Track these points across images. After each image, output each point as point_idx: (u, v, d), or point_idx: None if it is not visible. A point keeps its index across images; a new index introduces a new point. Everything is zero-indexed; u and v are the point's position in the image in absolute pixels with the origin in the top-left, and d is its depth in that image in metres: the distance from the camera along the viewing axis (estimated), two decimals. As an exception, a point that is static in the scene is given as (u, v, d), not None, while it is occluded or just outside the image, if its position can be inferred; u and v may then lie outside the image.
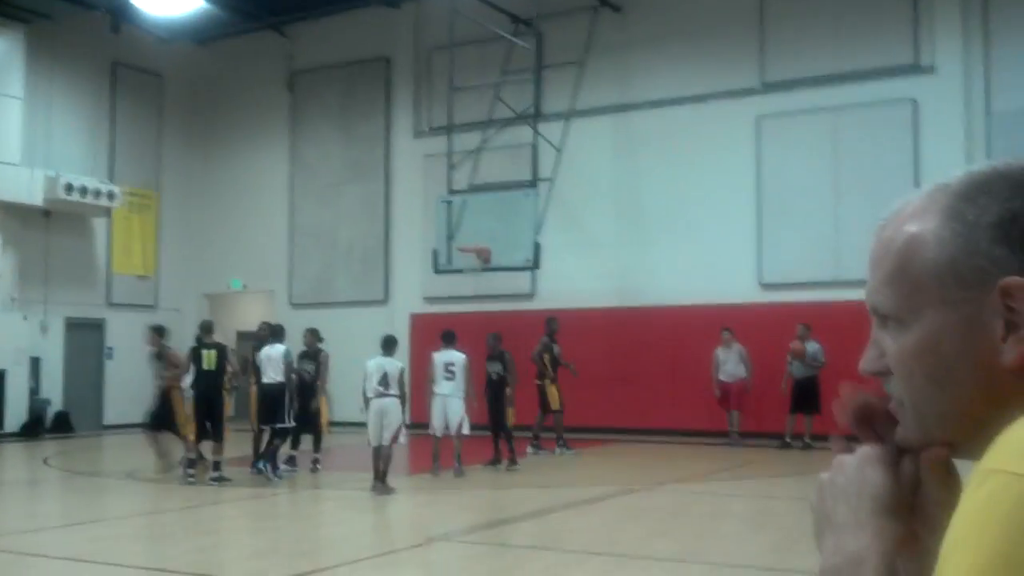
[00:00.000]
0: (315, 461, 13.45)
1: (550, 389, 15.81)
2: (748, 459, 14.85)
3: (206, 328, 13.25)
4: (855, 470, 0.92)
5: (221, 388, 12.90)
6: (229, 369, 13.10)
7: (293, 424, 13.09)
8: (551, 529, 9.52)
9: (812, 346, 15.97)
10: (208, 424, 12.61)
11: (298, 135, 22.78)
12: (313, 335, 13.90)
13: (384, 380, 11.98)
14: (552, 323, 16.20)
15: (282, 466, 13.00)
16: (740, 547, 8.45)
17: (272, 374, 13.00)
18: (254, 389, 13.53)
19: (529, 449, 15.55)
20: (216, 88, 23.60)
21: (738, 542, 8.69)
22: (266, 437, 13.14)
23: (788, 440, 16.02)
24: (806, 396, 15.78)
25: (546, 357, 15.92)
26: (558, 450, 15.68)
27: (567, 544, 8.74)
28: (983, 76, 16.53)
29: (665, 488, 12.13)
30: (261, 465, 12.91)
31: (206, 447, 12.70)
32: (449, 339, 13.54)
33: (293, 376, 13.20)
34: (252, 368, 13.55)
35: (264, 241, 22.71)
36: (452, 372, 13.21)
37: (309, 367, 13.59)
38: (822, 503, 0.94)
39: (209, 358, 12.81)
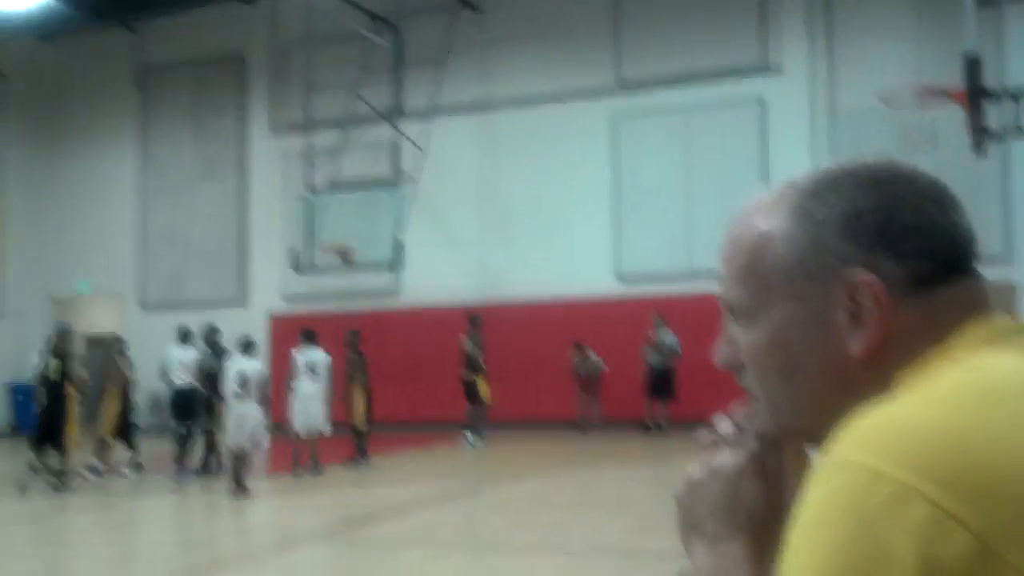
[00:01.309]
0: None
1: (481, 383, 15.96)
2: (607, 447, 15.13)
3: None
4: (731, 484, 0.94)
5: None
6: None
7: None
8: (413, 526, 9.49)
9: (668, 337, 16.40)
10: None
11: (149, 134, 22.11)
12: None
13: (243, 383, 11.74)
14: (476, 319, 16.26)
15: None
16: (598, 533, 8.58)
17: (183, 376, 13.15)
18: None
19: (469, 439, 15.83)
20: (62, 86, 22.69)
21: (597, 528, 8.82)
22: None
23: (650, 424, 16.40)
24: (662, 384, 16.27)
25: (477, 352, 16.08)
26: (471, 438, 15.91)
27: (430, 540, 8.73)
28: (827, 76, 17.27)
29: (527, 478, 12.24)
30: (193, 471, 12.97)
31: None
32: (310, 338, 13.36)
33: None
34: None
35: (112, 242, 21.95)
36: (315, 372, 13.03)
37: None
38: (691, 508, 0.96)
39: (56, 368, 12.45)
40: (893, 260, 0.84)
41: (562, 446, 15.64)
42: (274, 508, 11.25)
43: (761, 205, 0.92)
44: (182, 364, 13.24)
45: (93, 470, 13.02)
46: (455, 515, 10.03)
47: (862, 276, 0.84)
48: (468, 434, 15.99)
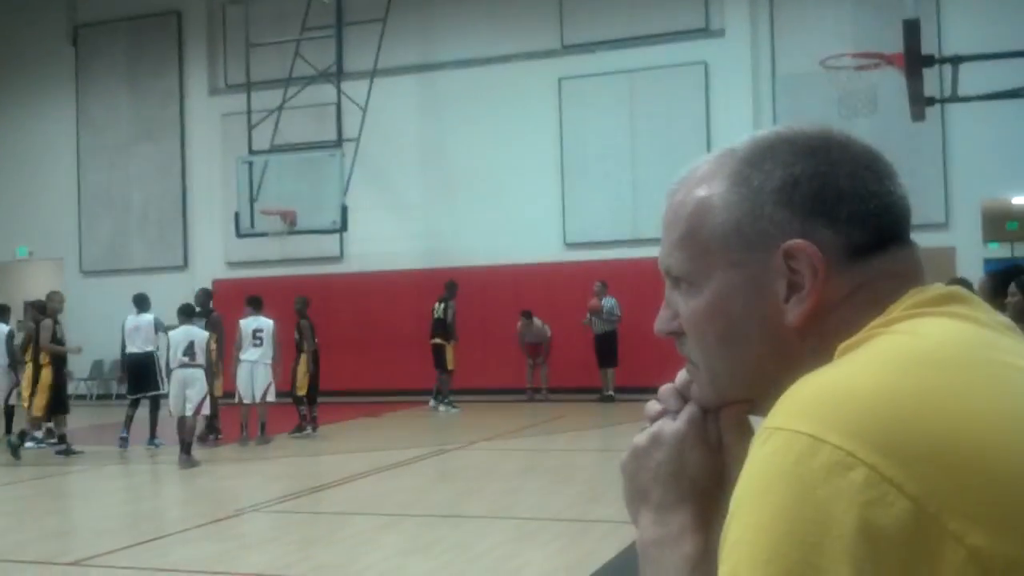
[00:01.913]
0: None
1: (451, 350, 16.01)
2: (556, 414, 15.27)
3: None
4: (674, 451, 0.94)
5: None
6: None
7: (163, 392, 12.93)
8: (363, 494, 9.53)
9: (608, 301, 16.55)
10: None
11: (84, 93, 21.55)
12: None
13: (190, 350, 11.66)
14: (453, 286, 16.26)
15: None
16: (547, 501, 8.70)
17: (140, 344, 12.83)
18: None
19: (435, 404, 16.04)
20: (-8, 43, 22.00)
21: (546, 496, 8.94)
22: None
23: (604, 393, 16.53)
24: (606, 350, 16.40)
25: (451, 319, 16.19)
26: (443, 408, 16.00)
27: (380, 507, 8.77)
28: (769, 41, 17.38)
29: (476, 447, 12.33)
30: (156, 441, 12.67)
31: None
32: (256, 305, 13.29)
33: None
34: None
35: (51, 205, 21.44)
36: (260, 338, 12.98)
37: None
38: (636, 476, 0.96)
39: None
40: (829, 228, 0.85)
41: (511, 414, 15.72)
42: (221, 477, 11.20)
43: (700, 172, 0.93)
44: (136, 330, 12.99)
45: (37, 440, 12.91)
46: (404, 483, 10.07)
47: (798, 243, 0.84)
48: (434, 400, 16.12)
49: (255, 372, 12.88)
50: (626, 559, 6.05)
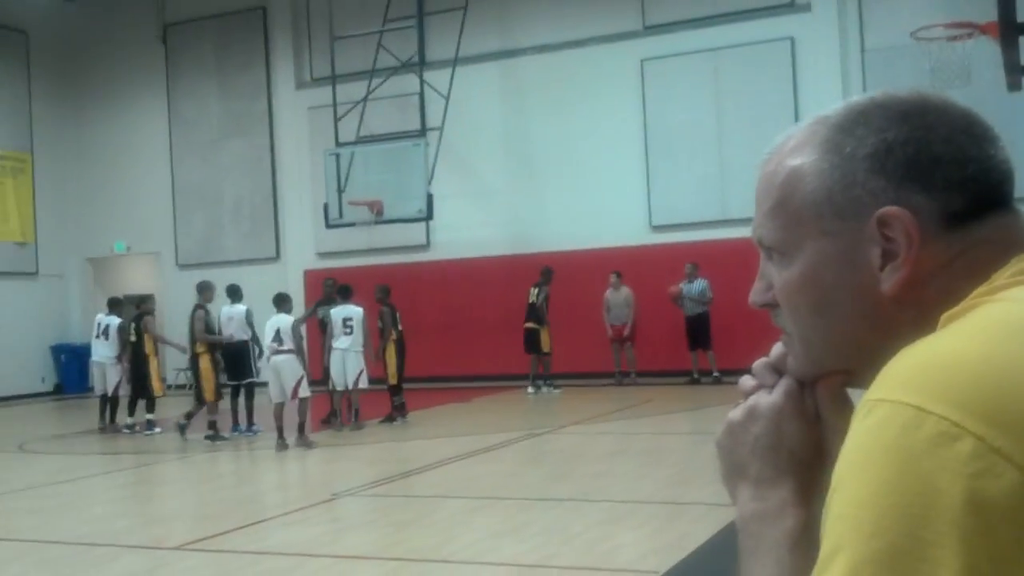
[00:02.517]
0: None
1: (545, 333, 16.33)
2: (645, 397, 15.19)
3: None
4: (772, 424, 0.93)
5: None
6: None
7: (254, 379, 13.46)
8: (455, 477, 9.62)
9: (699, 283, 16.38)
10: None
11: (175, 90, 22.10)
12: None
13: (277, 336, 11.90)
14: (548, 272, 16.52)
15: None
16: (638, 484, 8.67)
17: (236, 333, 13.27)
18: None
19: (530, 390, 16.36)
20: (86, 44, 22.68)
21: (636, 479, 8.92)
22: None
23: (696, 376, 16.43)
24: (698, 332, 16.25)
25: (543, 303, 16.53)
26: (545, 389, 16.34)
27: (472, 491, 8.84)
28: (856, 13, 16.98)
29: (566, 431, 12.34)
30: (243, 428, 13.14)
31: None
32: (345, 293, 13.49)
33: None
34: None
35: (147, 201, 22.07)
36: (350, 326, 13.16)
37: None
38: (733, 451, 0.95)
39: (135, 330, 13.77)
40: (924, 194, 0.83)
41: (599, 398, 15.70)
42: (316, 462, 11.43)
43: (792, 141, 0.91)
44: (231, 320, 13.34)
45: (150, 425, 13.43)
46: (495, 467, 10.13)
47: (892, 210, 0.82)
48: (531, 386, 16.37)
49: (346, 359, 13.06)
50: (721, 541, 6.00)
